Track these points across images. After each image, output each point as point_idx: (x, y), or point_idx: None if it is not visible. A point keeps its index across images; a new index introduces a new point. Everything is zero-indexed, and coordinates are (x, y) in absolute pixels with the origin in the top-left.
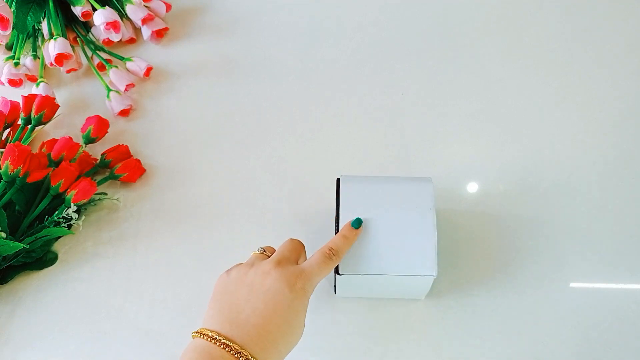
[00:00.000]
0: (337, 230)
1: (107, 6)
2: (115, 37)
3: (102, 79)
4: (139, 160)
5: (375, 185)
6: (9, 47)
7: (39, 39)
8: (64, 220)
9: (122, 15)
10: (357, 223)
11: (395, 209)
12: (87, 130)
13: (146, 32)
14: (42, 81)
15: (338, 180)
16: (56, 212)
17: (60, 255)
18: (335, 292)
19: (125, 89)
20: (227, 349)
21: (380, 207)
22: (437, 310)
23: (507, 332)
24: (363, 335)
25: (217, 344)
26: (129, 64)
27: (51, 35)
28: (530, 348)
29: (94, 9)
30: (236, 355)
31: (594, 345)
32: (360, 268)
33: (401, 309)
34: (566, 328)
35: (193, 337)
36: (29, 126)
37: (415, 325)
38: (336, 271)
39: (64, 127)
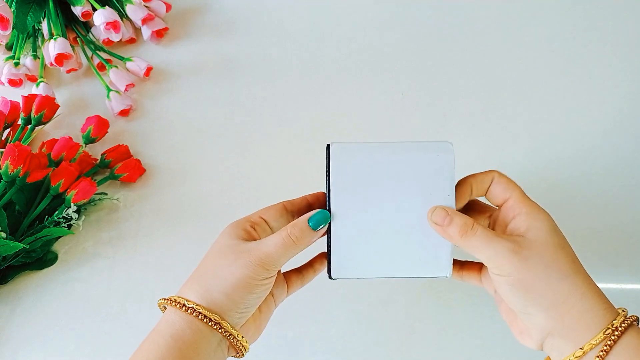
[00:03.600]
0: (328, 207)
1: (107, 6)
2: (115, 37)
3: (102, 79)
4: (139, 160)
5: (376, 160)
6: (9, 47)
7: (39, 39)
8: (64, 220)
9: (122, 15)
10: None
11: (401, 191)
12: (87, 130)
13: (146, 32)
14: (42, 81)
15: (328, 146)
16: (56, 212)
17: (60, 255)
18: (330, 277)
19: (125, 89)
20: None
21: (382, 189)
22: (437, 310)
23: (507, 332)
24: (363, 334)
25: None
26: (129, 64)
27: (51, 35)
28: (530, 348)
29: (94, 9)
30: (170, 303)
31: None
32: (358, 270)
33: (401, 309)
34: None
35: None
36: (29, 126)
37: (415, 325)
38: (328, 274)
39: (64, 127)
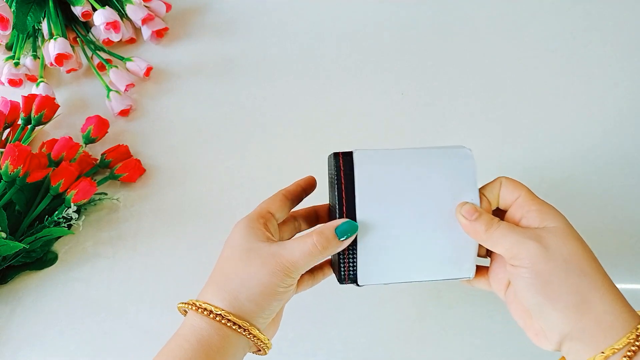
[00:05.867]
0: (340, 213)
1: (107, 6)
2: (115, 37)
3: (102, 79)
4: (139, 160)
5: (399, 166)
6: (9, 47)
7: (39, 39)
8: (64, 220)
9: (122, 15)
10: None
11: (425, 197)
12: (87, 130)
13: (146, 32)
14: (42, 81)
15: (337, 155)
16: (56, 212)
17: (60, 255)
18: (357, 284)
19: (125, 89)
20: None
21: (406, 195)
22: (437, 310)
23: (507, 332)
24: (364, 334)
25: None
26: (129, 64)
27: (51, 35)
28: (530, 348)
29: (94, 9)
30: (194, 308)
31: None
32: (384, 276)
33: (401, 309)
34: None
35: None
36: (29, 126)
37: (415, 325)
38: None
39: (64, 127)
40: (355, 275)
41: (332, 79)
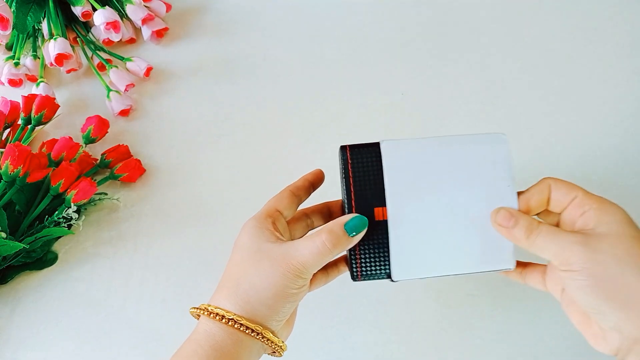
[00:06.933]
0: (349, 208)
1: (107, 6)
2: (115, 37)
3: (102, 79)
4: (139, 160)
5: (429, 155)
6: (9, 47)
7: (39, 39)
8: (64, 220)
9: (122, 15)
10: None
11: (458, 186)
12: (87, 130)
13: (146, 32)
14: (42, 81)
15: (343, 148)
16: (56, 212)
17: (60, 255)
18: (391, 279)
19: (125, 89)
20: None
21: (438, 185)
22: (437, 310)
23: (507, 332)
24: (363, 334)
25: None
26: (129, 64)
27: (51, 35)
28: (530, 348)
29: (94, 9)
30: (207, 314)
31: None
32: (420, 270)
33: (401, 309)
34: (566, 328)
35: None
36: (29, 126)
37: (415, 325)
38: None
39: (64, 127)
40: (368, 271)
41: (332, 79)
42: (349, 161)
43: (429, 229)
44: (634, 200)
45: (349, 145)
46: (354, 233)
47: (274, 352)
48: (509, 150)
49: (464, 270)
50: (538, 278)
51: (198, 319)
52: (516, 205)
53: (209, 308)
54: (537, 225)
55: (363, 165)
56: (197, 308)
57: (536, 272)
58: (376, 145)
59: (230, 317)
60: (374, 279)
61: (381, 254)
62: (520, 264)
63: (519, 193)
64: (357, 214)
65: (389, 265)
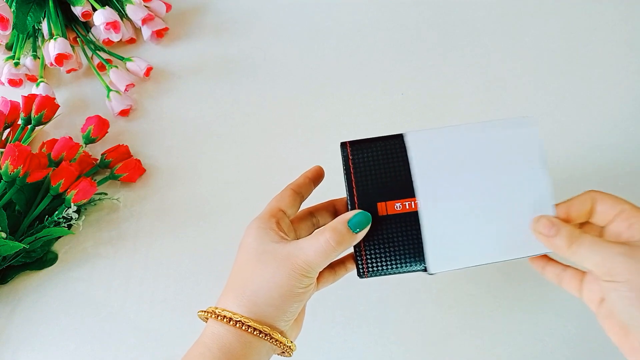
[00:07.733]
0: (351, 204)
1: (107, 6)
2: (115, 37)
3: (102, 79)
4: (139, 160)
5: (457, 143)
6: (9, 47)
7: (39, 39)
8: (64, 220)
9: (122, 15)
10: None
11: (488, 172)
12: (87, 130)
13: (146, 32)
14: (42, 81)
15: (343, 145)
16: (56, 212)
17: (60, 255)
18: (427, 272)
19: (125, 89)
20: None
21: (467, 172)
22: (437, 310)
23: (506, 333)
24: (363, 334)
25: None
26: (129, 64)
27: (51, 35)
28: (530, 348)
29: (94, 9)
30: (214, 316)
31: (593, 345)
32: (456, 261)
33: (401, 309)
34: (566, 328)
35: None
36: (29, 126)
37: (415, 325)
38: (358, 274)
39: (64, 127)
40: (374, 268)
41: (332, 79)
42: (350, 157)
43: (461, 218)
44: (634, 201)
45: (349, 142)
46: (358, 229)
47: (283, 353)
48: (538, 131)
49: (500, 257)
50: (575, 283)
51: (206, 322)
52: (550, 188)
53: (217, 311)
54: (579, 234)
55: (364, 161)
56: (205, 311)
57: (575, 277)
58: (379, 140)
59: (237, 319)
60: (381, 275)
61: (387, 249)
62: (560, 265)
63: (557, 205)
64: (360, 210)
65: (397, 260)
